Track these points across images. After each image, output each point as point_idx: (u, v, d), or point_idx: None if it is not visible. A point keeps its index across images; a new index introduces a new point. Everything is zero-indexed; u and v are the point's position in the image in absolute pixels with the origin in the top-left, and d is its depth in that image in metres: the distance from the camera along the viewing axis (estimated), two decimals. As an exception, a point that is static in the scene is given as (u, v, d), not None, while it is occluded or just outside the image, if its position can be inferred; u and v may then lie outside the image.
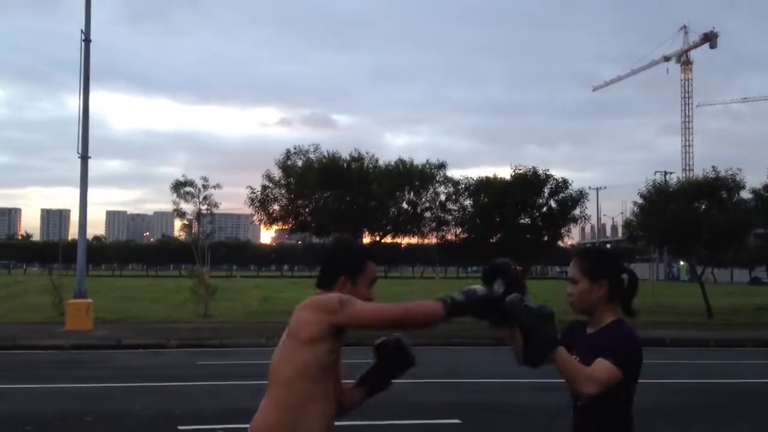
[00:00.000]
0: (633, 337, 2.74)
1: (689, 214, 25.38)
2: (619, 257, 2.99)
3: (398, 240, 28.35)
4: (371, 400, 2.90)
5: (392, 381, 2.84)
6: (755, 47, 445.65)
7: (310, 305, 2.64)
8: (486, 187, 24.10)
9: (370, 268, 2.80)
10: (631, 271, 2.87)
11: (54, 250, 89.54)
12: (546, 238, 25.54)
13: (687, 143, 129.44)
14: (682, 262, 72.80)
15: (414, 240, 27.64)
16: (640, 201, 27.53)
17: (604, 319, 2.81)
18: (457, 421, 7.54)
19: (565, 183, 24.46)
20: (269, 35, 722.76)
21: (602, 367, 2.62)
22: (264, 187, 24.08)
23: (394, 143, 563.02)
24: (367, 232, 25.20)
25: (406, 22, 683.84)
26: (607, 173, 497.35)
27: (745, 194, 26.57)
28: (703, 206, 26.27)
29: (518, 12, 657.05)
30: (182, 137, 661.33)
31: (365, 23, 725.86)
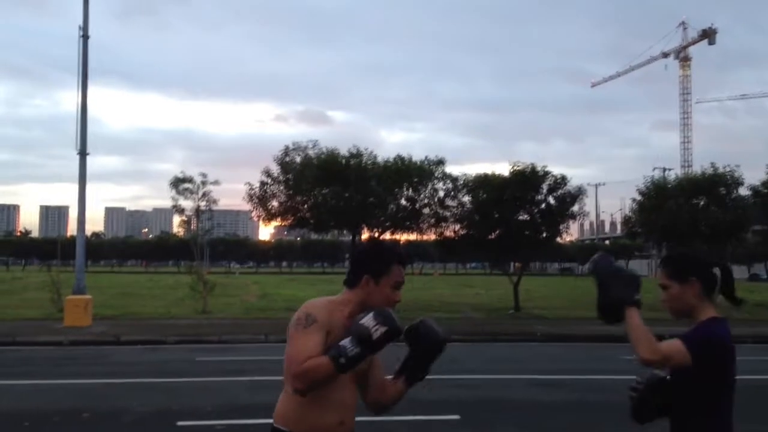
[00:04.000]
0: (720, 335, 2.69)
1: (688, 211, 25.44)
2: (704, 254, 2.96)
3: (397, 236, 28.33)
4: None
5: (428, 366, 2.86)
6: (751, 43, 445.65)
7: (298, 312, 2.80)
8: (484, 183, 24.11)
9: (396, 271, 2.84)
10: (722, 264, 2.84)
11: (53, 246, 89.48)
12: (545, 235, 25.54)
13: (685, 139, 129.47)
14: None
15: (413, 236, 27.66)
16: (638, 197, 27.57)
17: (702, 316, 2.78)
18: (456, 416, 7.55)
19: (563, 179, 24.49)
20: (259, 31, 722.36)
21: (670, 344, 2.64)
22: (262, 184, 24.11)
23: (391, 140, 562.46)
24: (365, 229, 25.22)
25: (393, 17, 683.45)
26: (604, 170, 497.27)
27: (744, 191, 26.61)
28: (702, 203, 26.32)
29: (509, 7, 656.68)
30: (177, 134, 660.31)
31: (353, 19, 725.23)
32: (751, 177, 27.11)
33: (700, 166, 28.32)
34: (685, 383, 2.70)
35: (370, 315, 2.57)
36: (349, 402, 2.82)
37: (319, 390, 2.67)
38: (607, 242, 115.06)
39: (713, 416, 2.70)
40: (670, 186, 27.49)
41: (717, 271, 2.81)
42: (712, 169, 26.08)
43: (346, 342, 2.56)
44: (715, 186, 25.81)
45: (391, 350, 2.77)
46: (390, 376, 2.95)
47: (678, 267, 2.83)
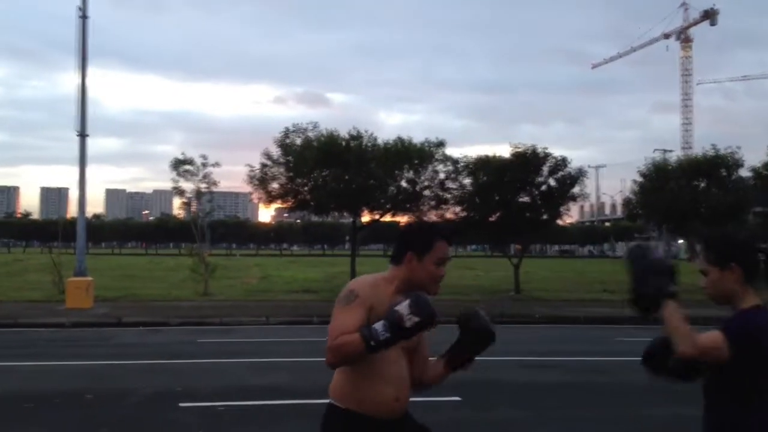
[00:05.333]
0: (760, 325, 2.59)
1: (688, 193, 25.42)
2: (748, 238, 2.78)
3: (397, 218, 28.32)
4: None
5: (475, 355, 2.89)
6: (751, 24, 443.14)
7: (344, 288, 2.84)
8: (485, 165, 24.06)
9: (440, 248, 2.87)
10: (765, 248, 2.70)
11: (53, 228, 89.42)
12: (545, 217, 25.54)
13: (686, 121, 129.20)
14: (681, 240, 72.86)
15: (413, 218, 27.63)
16: (639, 179, 27.54)
17: (743, 304, 2.67)
18: (457, 398, 7.58)
19: (564, 161, 24.44)
20: (258, 13, 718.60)
21: (710, 337, 2.54)
22: (263, 166, 24.05)
23: (390, 122, 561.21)
24: (366, 211, 25.21)
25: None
26: (604, 152, 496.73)
27: (744, 172, 26.58)
28: (702, 184, 26.30)
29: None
30: (176, 115, 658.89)
31: (352, 0, 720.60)
32: (751, 159, 27.09)
33: (701, 147, 28.28)
34: (724, 373, 2.61)
35: (406, 303, 2.58)
36: (404, 377, 2.86)
37: (375, 365, 2.72)
38: (607, 224, 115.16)
39: (753, 407, 2.62)
40: (670, 168, 27.44)
41: (761, 256, 2.68)
42: (713, 150, 26.03)
43: (378, 326, 2.58)
44: (715, 168, 25.77)
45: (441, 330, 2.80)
46: (434, 358, 2.99)
47: (718, 252, 2.70)
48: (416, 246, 2.85)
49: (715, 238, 2.82)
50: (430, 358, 3.05)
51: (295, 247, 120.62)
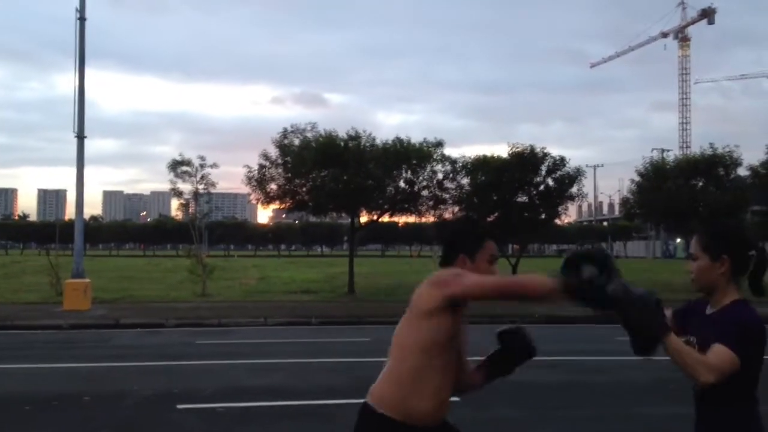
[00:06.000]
0: (754, 321, 2.59)
1: (686, 192, 25.43)
2: (745, 232, 2.79)
3: (395, 219, 28.30)
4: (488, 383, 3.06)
5: (513, 368, 2.94)
6: (748, 23, 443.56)
7: (429, 281, 2.77)
8: (483, 165, 24.05)
9: (489, 245, 2.91)
10: (760, 247, 2.69)
11: (51, 230, 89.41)
12: (543, 216, 25.53)
13: (684, 120, 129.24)
14: (678, 240, 72.93)
15: (411, 219, 27.63)
16: (637, 178, 27.55)
17: (725, 298, 2.67)
18: (455, 398, 7.57)
19: (562, 161, 24.43)
20: (256, 13, 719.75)
21: (721, 355, 2.49)
22: (261, 166, 24.01)
23: (388, 122, 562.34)
24: (364, 211, 25.19)
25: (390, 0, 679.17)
26: (602, 151, 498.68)
27: (743, 171, 26.59)
28: (701, 183, 26.31)
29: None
30: (173, 116, 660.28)
31: (351, 0, 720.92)
32: (749, 157, 27.11)
33: (699, 147, 28.30)
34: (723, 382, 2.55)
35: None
36: (450, 386, 2.86)
37: (437, 375, 2.73)
38: (605, 223, 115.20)
39: (747, 403, 2.63)
40: (668, 167, 27.46)
41: (753, 253, 2.67)
42: (711, 149, 26.04)
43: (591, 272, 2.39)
44: (713, 167, 25.78)
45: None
46: (473, 365, 3.02)
47: (713, 241, 2.70)
48: (467, 247, 2.88)
49: (713, 228, 2.83)
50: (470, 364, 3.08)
51: (293, 248, 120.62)
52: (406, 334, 2.77)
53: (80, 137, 20.44)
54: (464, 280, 2.66)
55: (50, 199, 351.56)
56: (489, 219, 24.43)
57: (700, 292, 2.75)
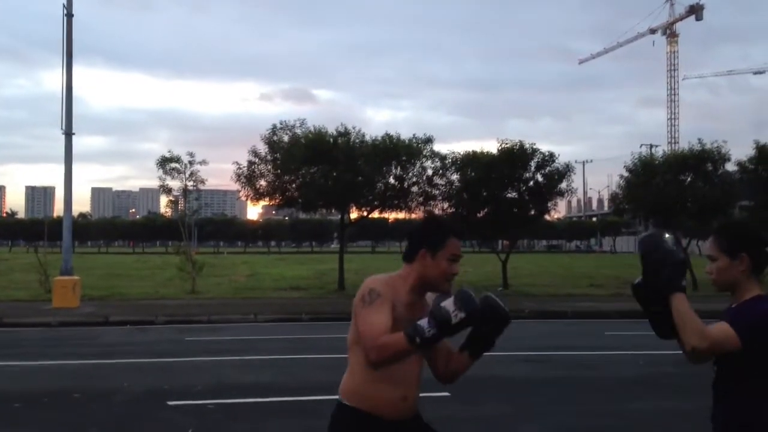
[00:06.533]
0: (766, 311, 2.63)
1: (675, 187, 25.52)
2: (759, 230, 2.84)
3: (385, 215, 28.31)
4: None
5: (494, 340, 2.88)
6: (735, 20, 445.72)
7: (360, 289, 2.83)
8: (473, 161, 24.07)
9: (452, 244, 2.88)
10: None
11: (39, 227, 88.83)
12: (533, 212, 25.59)
13: (672, 116, 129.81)
14: (667, 235, 73.20)
15: (401, 215, 27.68)
16: (626, 174, 27.63)
17: (746, 294, 2.72)
18: (446, 394, 7.60)
19: (551, 157, 24.49)
20: (244, 10, 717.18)
21: (720, 329, 2.58)
22: (250, 163, 23.96)
23: (377, 118, 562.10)
24: (354, 208, 25.18)
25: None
26: (591, 147, 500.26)
27: (731, 167, 26.70)
28: (689, 179, 26.40)
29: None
30: (162, 113, 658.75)
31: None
32: (737, 153, 27.26)
33: (687, 142, 28.36)
34: (734, 364, 2.63)
35: (451, 299, 2.57)
36: (413, 377, 2.87)
37: (387, 366, 2.73)
38: (594, 219, 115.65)
39: (762, 397, 2.63)
40: (657, 163, 27.55)
41: None
42: (699, 145, 26.14)
43: (423, 323, 2.57)
44: (702, 162, 25.86)
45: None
46: (454, 350, 2.99)
47: (730, 240, 2.74)
48: (429, 243, 2.87)
49: (728, 227, 2.87)
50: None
51: (282, 244, 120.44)
52: (352, 331, 2.86)
53: (68, 134, 20.35)
54: (360, 322, 2.74)
55: (38, 196, 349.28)
56: (479, 215, 24.49)
57: (722, 291, 2.80)
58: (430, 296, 2.96)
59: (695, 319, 2.56)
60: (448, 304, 2.56)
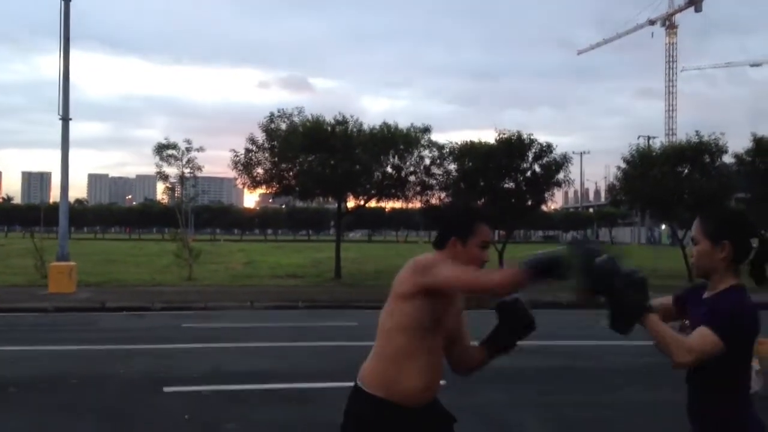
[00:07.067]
0: (744, 307, 2.57)
1: (672, 179, 25.53)
2: (747, 219, 2.74)
3: (382, 204, 28.30)
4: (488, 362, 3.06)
5: (515, 343, 2.90)
6: (733, 11, 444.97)
7: (409, 265, 2.80)
8: (470, 151, 24.06)
9: (482, 230, 2.89)
10: (763, 236, 2.66)
11: (36, 212, 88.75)
12: (530, 203, 25.61)
13: (670, 107, 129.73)
14: (663, 226, 73.36)
15: (398, 204, 27.67)
16: (623, 165, 27.64)
17: (721, 283, 2.66)
18: (442, 382, 7.62)
19: (549, 147, 24.47)
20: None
21: (701, 337, 2.50)
22: (247, 151, 23.92)
23: (375, 107, 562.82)
24: (351, 196, 25.17)
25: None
26: (589, 137, 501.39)
27: (728, 159, 26.72)
28: (686, 171, 26.41)
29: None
30: (159, 100, 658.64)
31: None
32: (734, 145, 27.27)
33: (684, 134, 28.32)
34: (711, 362, 2.55)
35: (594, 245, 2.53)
36: (438, 366, 2.90)
37: (422, 355, 2.75)
38: (591, 210, 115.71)
39: (737, 390, 2.62)
40: (654, 154, 27.54)
41: (755, 241, 2.65)
42: (696, 137, 26.13)
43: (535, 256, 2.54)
44: (699, 154, 25.86)
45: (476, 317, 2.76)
46: (475, 343, 3.01)
47: (714, 226, 2.68)
48: (459, 231, 2.87)
49: (716, 213, 2.83)
50: (472, 344, 3.07)
51: (279, 233, 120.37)
52: (388, 317, 2.82)
53: (65, 119, 20.28)
54: (441, 271, 2.68)
55: (35, 181, 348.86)
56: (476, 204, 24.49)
57: (701, 277, 2.75)
58: None
59: (675, 336, 2.49)
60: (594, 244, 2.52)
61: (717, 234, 2.65)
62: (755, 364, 8.20)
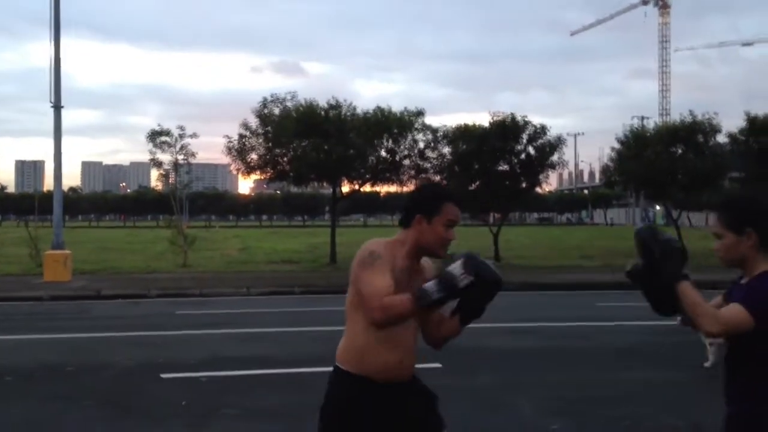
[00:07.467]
0: None
1: (666, 159, 25.54)
2: (764, 200, 2.70)
3: (377, 188, 28.24)
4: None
5: (484, 306, 2.82)
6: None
7: (357, 254, 2.83)
8: (464, 134, 24.03)
9: (448, 209, 2.85)
10: None
11: (29, 201, 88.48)
12: (524, 185, 25.62)
13: (664, 88, 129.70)
14: (657, 207, 73.49)
15: (393, 188, 27.60)
16: (617, 146, 27.64)
17: (756, 269, 2.63)
18: (437, 365, 7.65)
19: (543, 129, 24.47)
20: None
21: (733, 310, 2.52)
22: (241, 136, 23.83)
23: (368, 91, 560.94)
24: (346, 181, 25.12)
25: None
26: (583, 119, 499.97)
27: (722, 138, 26.73)
28: (680, 151, 26.42)
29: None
30: (151, 86, 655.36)
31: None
32: (728, 124, 27.28)
33: (678, 114, 28.29)
34: (745, 341, 2.57)
35: (460, 262, 2.57)
36: (409, 342, 2.89)
37: (383, 331, 2.74)
38: (585, 191, 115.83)
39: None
40: (648, 134, 27.53)
41: None
42: (690, 117, 26.12)
43: (430, 285, 2.58)
44: (693, 134, 25.86)
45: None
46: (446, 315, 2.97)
47: (736, 216, 2.65)
48: (425, 208, 2.85)
49: (733, 201, 2.78)
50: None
51: (274, 218, 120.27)
52: (350, 295, 2.88)
53: (57, 107, 20.17)
54: (363, 288, 2.72)
55: (28, 170, 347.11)
56: (471, 188, 24.46)
57: (731, 268, 2.73)
58: (426, 261, 2.96)
59: (705, 306, 2.52)
60: (456, 267, 2.56)
61: (739, 223, 2.64)
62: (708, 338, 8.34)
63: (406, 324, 2.79)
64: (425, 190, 3.01)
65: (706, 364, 7.97)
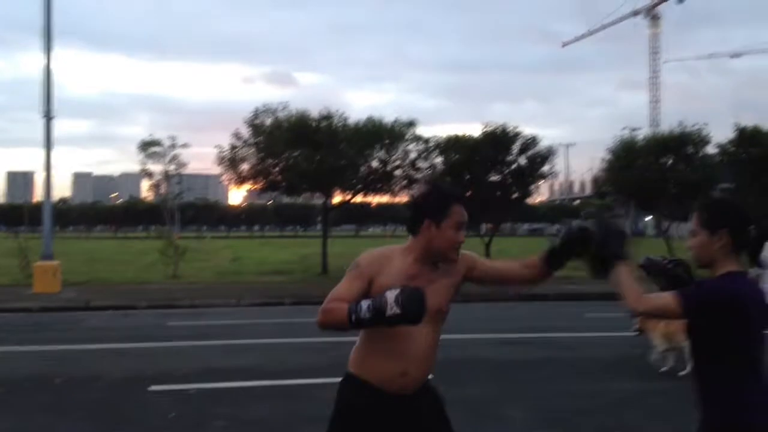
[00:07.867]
0: (727, 289, 2.60)
1: (656, 170, 25.64)
2: (743, 207, 2.76)
3: (369, 199, 28.26)
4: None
5: (570, 257, 2.92)
6: (715, 2, 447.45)
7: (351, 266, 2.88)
8: (456, 144, 24.10)
9: (456, 211, 2.83)
10: (762, 225, 2.69)
11: (19, 212, 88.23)
12: (515, 196, 25.68)
13: (654, 98, 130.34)
14: (649, 217, 73.68)
15: (384, 199, 27.63)
16: (608, 157, 27.74)
17: (720, 270, 2.67)
18: (429, 375, 7.63)
19: (534, 140, 24.58)
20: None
21: (662, 295, 2.68)
22: (233, 146, 23.82)
23: (360, 102, 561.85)
24: (337, 191, 25.13)
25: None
26: (574, 130, 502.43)
27: (711, 149, 26.86)
28: (670, 161, 26.54)
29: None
30: (142, 96, 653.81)
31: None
32: (718, 135, 27.36)
33: (668, 125, 28.49)
34: (695, 335, 2.71)
35: (396, 291, 2.48)
36: (416, 352, 2.81)
37: (384, 340, 2.75)
38: (576, 202, 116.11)
39: (730, 366, 2.61)
40: (639, 145, 27.65)
41: (753, 230, 2.68)
42: (680, 127, 26.25)
43: (364, 304, 2.54)
44: (683, 145, 25.99)
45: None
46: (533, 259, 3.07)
47: (711, 216, 2.70)
48: (433, 213, 2.80)
49: (713, 203, 2.88)
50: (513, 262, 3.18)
51: (266, 229, 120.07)
52: None
53: (48, 117, 20.11)
54: (338, 285, 2.78)
55: (18, 181, 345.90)
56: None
57: (702, 267, 2.77)
58: (465, 255, 3.02)
59: (634, 285, 2.68)
60: (391, 294, 2.47)
61: (714, 224, 2.68)
62: (662, 344, 8.47)
63: (407, 334, 2.71)
64: (431, 195, 2.91)
65: (682, 373, 8.06)
